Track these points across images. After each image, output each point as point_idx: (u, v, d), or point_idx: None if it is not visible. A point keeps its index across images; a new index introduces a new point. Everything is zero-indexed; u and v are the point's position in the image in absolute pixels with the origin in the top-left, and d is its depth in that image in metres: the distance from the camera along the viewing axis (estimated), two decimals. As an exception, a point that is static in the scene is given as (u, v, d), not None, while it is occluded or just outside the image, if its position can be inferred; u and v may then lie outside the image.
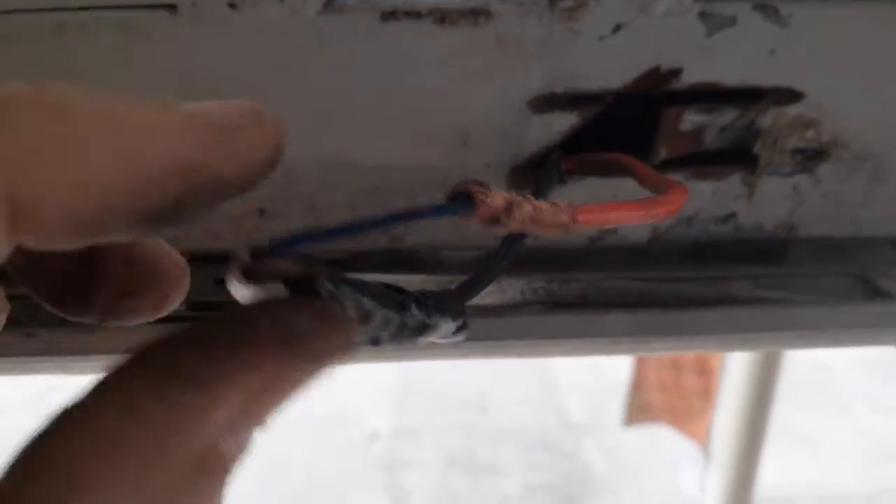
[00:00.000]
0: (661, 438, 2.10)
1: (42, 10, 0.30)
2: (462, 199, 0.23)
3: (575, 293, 0.33)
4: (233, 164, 0.17)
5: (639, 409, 2.48)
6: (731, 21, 0.31)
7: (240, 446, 0.17)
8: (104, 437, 0.16)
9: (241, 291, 0.21)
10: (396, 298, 0.22)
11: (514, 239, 0.30)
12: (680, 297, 0.33)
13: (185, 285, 0.23)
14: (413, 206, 0.23)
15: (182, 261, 0.23)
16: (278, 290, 0.20)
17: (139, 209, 0.16)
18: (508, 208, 0.23)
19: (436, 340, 0.25)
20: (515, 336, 0.31)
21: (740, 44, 0.32)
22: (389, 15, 0.31)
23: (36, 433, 0.16)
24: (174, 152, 0.16)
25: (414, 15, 0.31)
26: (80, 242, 0.16)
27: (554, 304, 0.32)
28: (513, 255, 0.29)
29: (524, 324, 0.31)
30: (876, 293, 0.33)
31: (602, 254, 0.34)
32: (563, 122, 0.32)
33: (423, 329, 0.23)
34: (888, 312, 0.32)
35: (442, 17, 0.31)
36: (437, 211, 0.23)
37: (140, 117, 0.16)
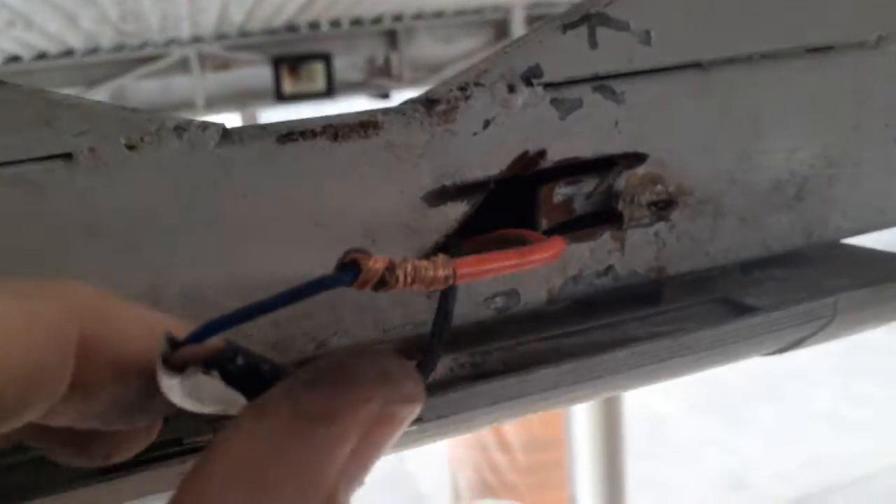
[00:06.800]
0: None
1: None
2: (349, 268, 0.24)
3: (497, 361, 0.35)
4: None
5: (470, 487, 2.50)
6: (579, 104, 0.37)
7: (349, 496, 0.18)
8: (250, 472, 0.16)
9: (166, 383, 0.21)
10: None
11: (444, 305, 0.31)
12: (584, 346, 0.36)
13: None
14: (305, 282, 0.23)
15: None
16: (201, 378, 0.21)
17: None
18: (391, 268, 0.25)
19: None
20: (458, 411, 0.33)
21: (589, 121, 0.37)
22: (285, 137, 0.33)
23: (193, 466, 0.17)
24: None
25: (309, 134, 0.33)
26: None
27: (481, 376, 0.34)
28: (448, 319, 0.31)
29: (462, 397, 0.33)
30: (742, 310, 0.39)
31: (509, 321, 0.37)
32: (456, 210, 0.35)
33: None
34: (757, 324, 0.37)
35: (335, 134, 0.33)
36: (329, 282, 0.24)
37: None
